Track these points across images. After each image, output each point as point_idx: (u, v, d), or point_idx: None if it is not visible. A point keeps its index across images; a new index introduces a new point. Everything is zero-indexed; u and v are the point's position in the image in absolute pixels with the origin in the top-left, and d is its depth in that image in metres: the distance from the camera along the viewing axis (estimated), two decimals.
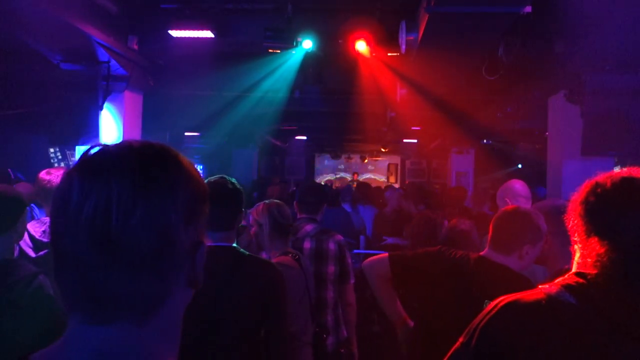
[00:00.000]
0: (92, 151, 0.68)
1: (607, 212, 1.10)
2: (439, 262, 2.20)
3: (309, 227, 3.15)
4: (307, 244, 3.10)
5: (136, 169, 0.65)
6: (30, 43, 4.86)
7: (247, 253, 2.07)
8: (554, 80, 5.42)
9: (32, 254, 2.64)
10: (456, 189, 7.48)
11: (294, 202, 3.35)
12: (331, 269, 3.07)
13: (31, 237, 2.71)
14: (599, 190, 1.12)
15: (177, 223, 0.66)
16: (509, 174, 15.31)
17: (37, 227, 2.75)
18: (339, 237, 3.20)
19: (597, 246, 1.09)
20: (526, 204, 3.13)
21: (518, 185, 3.28)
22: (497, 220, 2.15)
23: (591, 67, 4.82)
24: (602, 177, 1.14)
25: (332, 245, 3.10)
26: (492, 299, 1.95)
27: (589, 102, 4.85)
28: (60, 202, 0.65)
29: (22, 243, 2.68)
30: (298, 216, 3.28)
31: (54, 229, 0.65)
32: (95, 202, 0.62)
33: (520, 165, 16.08)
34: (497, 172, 13.91)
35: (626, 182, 1.10)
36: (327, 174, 18.55)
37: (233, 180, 2.05)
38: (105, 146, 0.68)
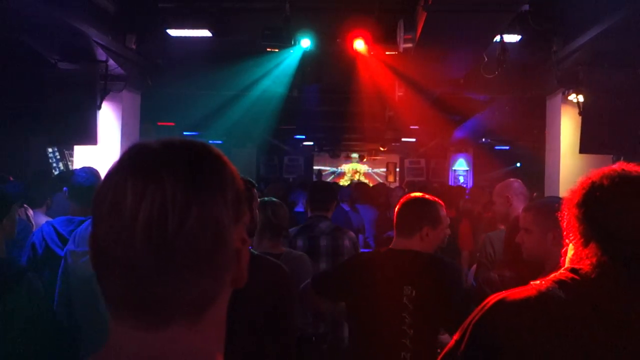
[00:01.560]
0: (136, 150, 0.66)
1: (601, 210, 1.10)
2: (355, 267, 2.29)
3: (323, 225, 3.23)
4: (322, 242, 3.18)
5: (187, 169, 0.63)
6: (28, 42, 4.85)
7: (257, 252, 2.07)
8: (552, 79, 5.42)
9: (61, 252, 2.64)
10: (456, 188, 7.49)
11: (306, 200, 3.43)
12: None
13: (60, 236, 2.71)
14: (592, 188, 1.13)
15: (228, 222, 0.65)
16: (508, 173, 15.34)
17: (65, 226, 2.75)
18: (352, 234, 3.33)
19: (590, 243, 1.11)
20: (524, 202, 3.15)
21: (517, 184, 3.31)
22: (400, 207, 2.28)
23: (589, 65, 4.82)
24: (595, 174, 1.14)
25: (347, 242, 3.21)
26: (410, 283, 2.05)
27: (587, 101, 4.86)
28: (109, 205, 0.62)
29: (50, 243, 2.68)
30: (310, 214, 3.35)
31: (102, 233, 0.63)
32: (150, 207, 0.60)
33: (519, 164, 16.10)
34: (495, 170, 13.90)
35: (620, 180, 1.11)
36: (327, 173, 18.54)
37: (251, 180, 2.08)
38: (149, 145, 0.66)
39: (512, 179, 3.42)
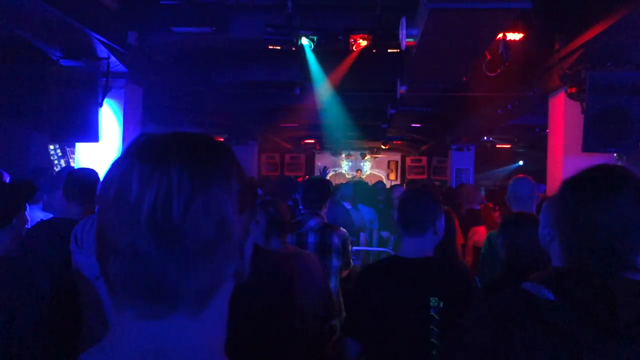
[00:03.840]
0: (143, 139, 0.66)
1: (573, 206, 1.12)
2: (371, 285, 2.13)
3: (312, 222, 3.23)
4: (311, 238, 3.19)
5: (193, 158, 0.64)
6: (29, 39, 4.85)
7: (263, 247, 2.08)
8: (554, 77, 5.41)
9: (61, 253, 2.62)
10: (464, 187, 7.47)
11: (299, 197, 3.44)
12: (335, 262, 3.17)
13: (60, 236, 2.70)
14: (568, 186, 1.16)
15: (232, 213, 0.65)
16: (509, 171, 15.33)
17: (66, 226, 2.73)
18: (343, 231, 3.29)
19: (571, 241, 1.13)
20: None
21: (523, 183, 3.28)
22: (406, 203, 2.16)
23: (592, 64, 4.81)
24: (577, 174, 1.17)
25: (335, 240, 3.18)
26: (436, 294, 1.98)
27: (589, 99, 4.84)
28: (115, 192, 0.62)
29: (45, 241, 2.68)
30: (302, 211, 3.37)
31: (108, 220, 0.63)
32: (156, 193, 0.60)
33: (521, 162, 16.09)
34: (497, 169, 13.89)
35: (598, 178, 1.13)
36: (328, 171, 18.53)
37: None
38: (156, 134, 0.67)
39: (520, 177, 3.39)
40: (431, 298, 1.99)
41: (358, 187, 6.79)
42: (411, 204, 2.15)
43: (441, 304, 1.98)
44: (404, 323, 2.01)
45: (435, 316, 1.97)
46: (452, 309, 1.97)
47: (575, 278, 1.07)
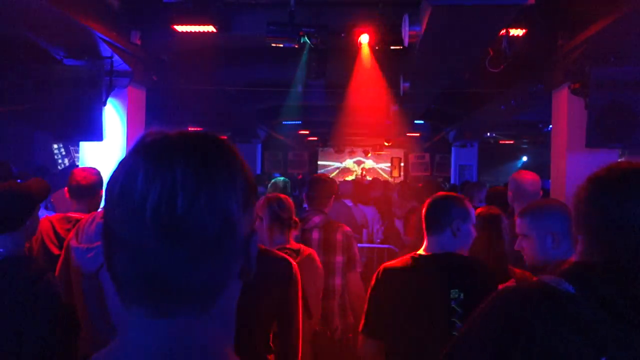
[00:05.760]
0: (150, 137, 0.67)
1: (609, 201, 1.11)
2: (390, 282, 2.13)
3: (317, 219, 3.26)
4: (315, 235, 3.21)
5: (198, 155, 0.64)
6: (33, 38, 4.86)
7: (264, 246, 2.09)
8: (558, 73, 5.39)
9: (55, 251, 2.64)
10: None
11: (303, 195, 3.48)
12: (339, 258, 3.19)
13: (56, 234, 2.71)
14: (600, 181, 1.14)
15: (237, 210, 0.65)
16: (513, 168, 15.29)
17: (64, 224, 2.75)
18: (346, 228, 3.30)
19: (600, 236, 1.12)
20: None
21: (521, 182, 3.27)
22: (428, 206, 2.19)
23: (595, 59, 4.80)
24: (602, 169, 1.16)
25: (339, 236, 3.21)
26: (457, 286, 1.99)
27: (593, 95, 4.83)
28: (120, 189, 0.63)
29: (46, 239, 2.69)
30: (307, 208, 3.41)
31: (114, 217, 0.63)
32: (160, 189, 0.61)
33: (524, 159, 16.05)
34: (500, 165, 13.85)
35: (628, 172, 1.12)
36: (331, 168, 18.53)
37: None
38: (163, 133, 0.67)
39: (520, 174, 3.38)
40: (452, 290, 1.98)
41: (357, 187, 6.78)
42: (431, 206, 2.18)
43: (462, 295, 1.97)
44: (426, 316, 2.00)
45: (457, 308, 1.97)
46: (473, 300, 1.96)
47: (600, 273, 1.07)
